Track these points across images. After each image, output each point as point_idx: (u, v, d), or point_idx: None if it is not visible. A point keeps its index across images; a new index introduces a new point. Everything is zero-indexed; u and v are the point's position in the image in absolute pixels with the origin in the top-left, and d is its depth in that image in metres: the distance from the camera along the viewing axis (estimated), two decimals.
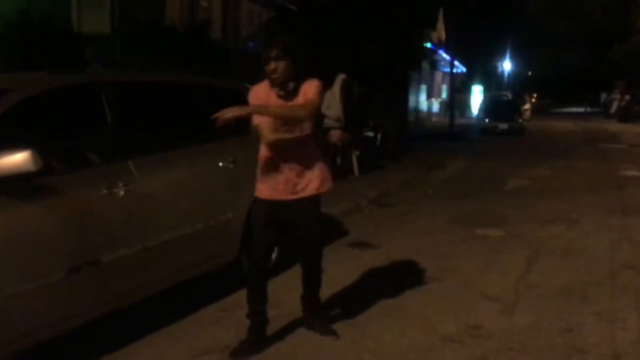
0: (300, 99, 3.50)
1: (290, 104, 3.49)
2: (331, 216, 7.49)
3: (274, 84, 3.50)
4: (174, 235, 4.01)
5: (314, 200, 3.67)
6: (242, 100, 5.26)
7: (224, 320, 4.15)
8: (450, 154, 15.45)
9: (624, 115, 32.33)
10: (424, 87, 28.45)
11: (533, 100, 46.06)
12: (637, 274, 5.17)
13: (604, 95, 41.85)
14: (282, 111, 3.47)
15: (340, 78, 9.97)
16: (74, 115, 3.69)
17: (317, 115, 3.65)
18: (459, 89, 33.73)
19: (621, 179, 11.05)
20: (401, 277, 5.14)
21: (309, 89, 3.50)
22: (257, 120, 3.47)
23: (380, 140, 13.36)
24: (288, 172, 3.56)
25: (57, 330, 3.32)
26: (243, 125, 5.14)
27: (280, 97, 3.51)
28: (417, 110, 26.57)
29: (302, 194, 3.60)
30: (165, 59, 12.27)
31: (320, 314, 4.00)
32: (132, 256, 3.66)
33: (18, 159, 2.96)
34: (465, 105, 35.84)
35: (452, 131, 22.33)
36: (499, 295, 4.64)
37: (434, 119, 30.21)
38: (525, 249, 6.00)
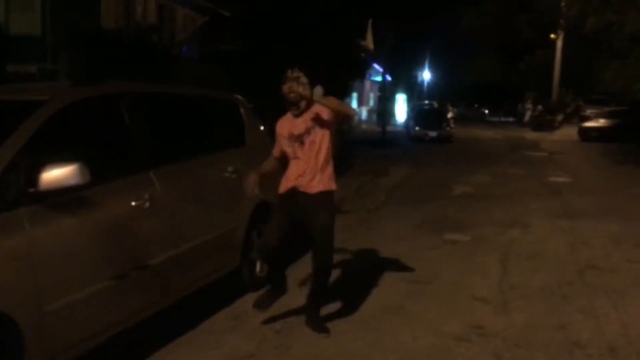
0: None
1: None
2: None
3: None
4: (190, 245, 4.05)
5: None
6: (238, 112, 5.36)
7: (240, 329, 4.22)
8: (389, 161, 15.99)
9: (537, 125, 34.22)
10: (355, 95, 29.08)
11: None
12: (601, 273, 5.65)
13: (519, 106, 44.11)
14: None
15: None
16: (99, 127, 3.66)
17: None
18: (387, 98, 34.66)
19: (554, 185, 11.82)
20: (392, 281, 5.36)
21: None
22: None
23: None
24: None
25: (93, 342, 3.31)
26: (238, 137, 5.24)
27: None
28: None
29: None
30: (109, 65, 11.98)
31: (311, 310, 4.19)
32: (159, 266, 3.68)
33: (66, 171, 2.94)
34: (390, 113, 36.83)
35: (384, 138, 22.99)
36: (488, 296, 4.96)
37: (364, 126, 30.97)
38: (494, 252, 6.38)
